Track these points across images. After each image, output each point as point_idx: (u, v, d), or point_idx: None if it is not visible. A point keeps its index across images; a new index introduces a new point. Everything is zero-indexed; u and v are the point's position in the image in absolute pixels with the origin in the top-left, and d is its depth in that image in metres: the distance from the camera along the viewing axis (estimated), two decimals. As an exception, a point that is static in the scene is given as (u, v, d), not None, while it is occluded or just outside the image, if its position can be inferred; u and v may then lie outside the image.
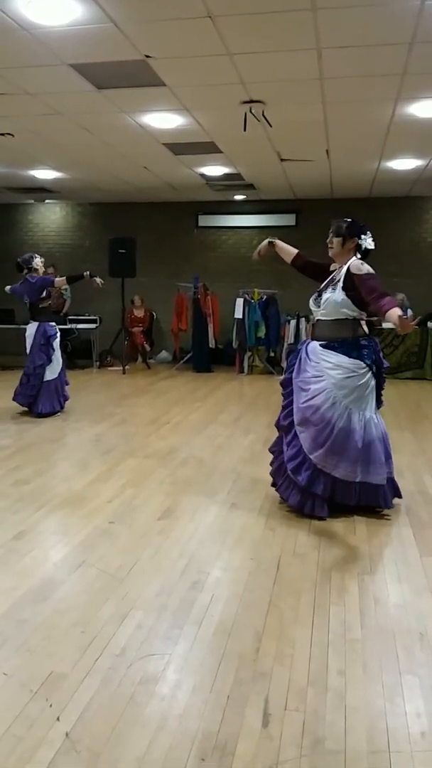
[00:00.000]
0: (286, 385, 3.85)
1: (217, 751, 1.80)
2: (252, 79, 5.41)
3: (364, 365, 3.65)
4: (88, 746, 1.81)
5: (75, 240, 12.39)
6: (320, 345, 3.72)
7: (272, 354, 10.60)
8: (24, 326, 10.93)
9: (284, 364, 10.07)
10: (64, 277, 6.80)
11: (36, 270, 6.56)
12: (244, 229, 11.75)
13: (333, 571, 2.97)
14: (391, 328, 9.89)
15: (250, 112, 6.13)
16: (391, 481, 3.81)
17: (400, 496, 3.89)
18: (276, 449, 3.93)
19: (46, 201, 12.10)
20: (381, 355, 3.81)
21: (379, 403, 3.84)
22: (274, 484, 3.94)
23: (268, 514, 3.74)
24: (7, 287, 6.79)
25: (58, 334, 6.75)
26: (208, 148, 7.80)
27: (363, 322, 3.75)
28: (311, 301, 3.84)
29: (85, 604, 2.62)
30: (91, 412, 6.83)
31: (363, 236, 3.77)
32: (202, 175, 9.44)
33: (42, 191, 10.91)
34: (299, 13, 4.17)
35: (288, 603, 2.66)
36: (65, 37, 4.59)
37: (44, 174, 9.52)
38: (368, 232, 3.82)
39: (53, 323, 6.74)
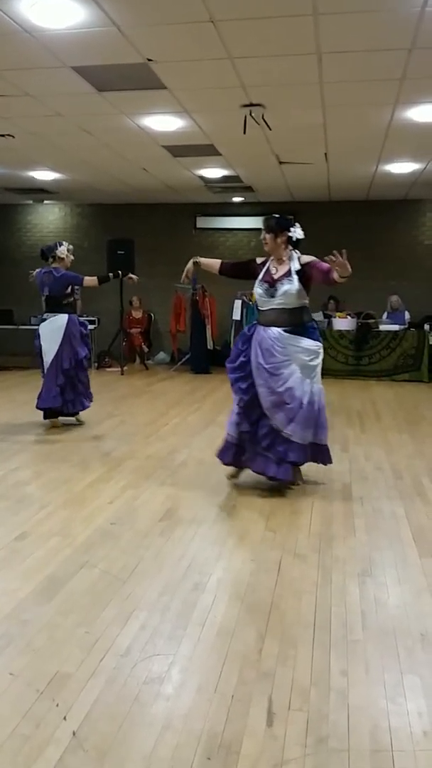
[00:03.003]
0: (243, 367, 4.12)
1: (223, 750, 1.82)
2: (252, 83, 5.44)
3: (320, 344, 4.21)
4: (95, 745, 1.83)
5: (73, 241, 12.23)
6: (284, 331, 4.08)
7: (270, 355, 10.64)
8: (23, 326, 10.95)
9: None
10: (95, 277, 5.97)
11: (61, 259, 5.96)
12: (242, 231, 11.78)
13: (334, 573, 2.99)
14: (388, 331, 9.97)
15: (250, 115, 6.17)
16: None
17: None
18: (245, 430, 4.14)
19: (45, 202, 12.11)
20: None
21: None
22: (227, 460, 4.27)
23: (269, 515, 3.77)
24: (34, 272, 6.06)
25: None
26: (208, 151, 7.84)
27: (308, 307, 4.25)
28: (262, 291, 4.17)
29: (88, 605, 2.64)
30: (90, 413, 6.82)
31: (292, 229, 4.15)
32: (201, 177, 9.47)
33: (41, 192, 10.92)
34: (300, 18, 4.21)
35: (289, 604, 2.68)
36: (68, 39, 4.62)
37: (43, 175, 9.54)
38: (297, 224, 4.20)
39: (73, 315, 6.13)
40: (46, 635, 2.41)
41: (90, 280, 5.92)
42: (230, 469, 4.39)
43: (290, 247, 4.17)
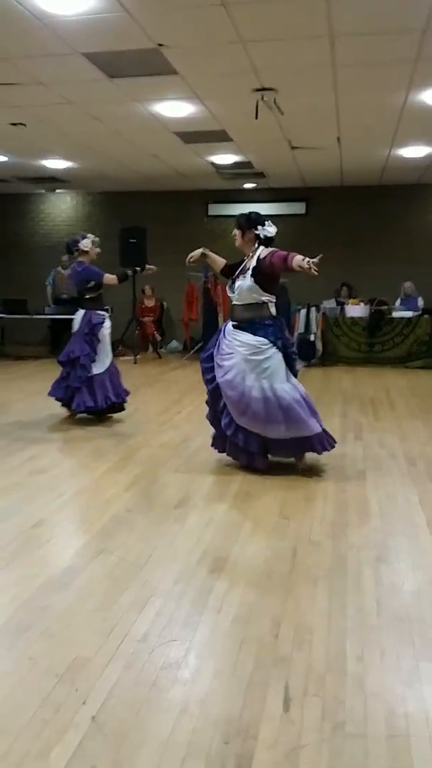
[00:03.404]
0: (208, 360, 4.35)
1: (240, 735, 1.84)
2: (264, 67, 5.39)
3: (268, 342, 4.17)
4: (114, 729, 1.85)
5: (85, 229, 12.16)
6: (233, 326, 4.27)
7: (282, 343, 10.59)
8: (37, 315, 11.01)
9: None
10: (115, 276, 5.81)
11: (85, 252, 5.78)
12: (254, 218, 11.71)
13: (348, 559, 3.00)
14: (402, 318, 9.90)
15: (262, 99, 6.11)
16: (324, 432, 4.32)
17: (333, 445, 4.38)
18: (213, 419, 4.45)
19: (57, 191, 12.11)
20: (286, 332, 4.37)
21: (293, 372, 4.34)
22: (217, 448, 4.48)
23: (282, 502, 3.77)
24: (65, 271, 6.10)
25: (107, 324, 6.03)
26: (219, 137, 7.79)
27: (271, 305, 4.24)
28: (227, 288, 4.37)
29: (105, 591, 2.66)
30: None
31: (260, 227, 4.19)
32: (213, 164, 9.42)
33: (53, 181, 10.92)
34: (313, 0, 4.15)
35: (305, 590, 2.69)
36: (78, 26, 4.59)
37: (55, 163, 9.53)
38: (266, 222, 4.23)
39: (102, 311, 6.01)
40: (65, 621, 2.43)
41: (110, 278, 5.77)
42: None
43: (257, 245, 4.21)
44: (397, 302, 10.38)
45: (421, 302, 10.35)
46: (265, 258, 4.09)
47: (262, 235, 4.19)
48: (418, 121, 6.97)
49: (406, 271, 10.71)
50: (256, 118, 6.39)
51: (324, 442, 4.32)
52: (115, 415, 6.03)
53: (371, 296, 10.38)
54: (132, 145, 8.30)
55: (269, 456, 4.36)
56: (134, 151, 8.63)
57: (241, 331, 4.21)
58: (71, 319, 11.73)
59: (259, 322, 4.19)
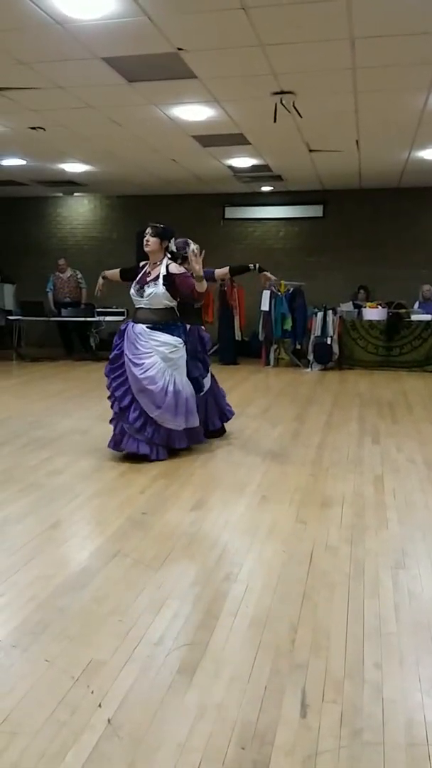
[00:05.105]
0: (116, 360, 4.70)
1: (257, 740, 1.82)
2: (283, 70, 5.39)
3: (181, 341, 4.71)
4: (130, 732, 1.84)
5: (102, 233, 12.46)
6: (147, 327, 4.63)
7: (298, 346, 10.57)
8: (54, 318, 11.06)
9: (310, 357, 10.10)
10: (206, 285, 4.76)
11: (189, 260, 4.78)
12: (271, 221, 11.70)
13: (366, 565, 2.97)
14: (420, 321, 9.82)
15: (281, 103, 6.11)
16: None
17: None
18: (114, 418, 4.77)
19: (75, 194, 12.19)
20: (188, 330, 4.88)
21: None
22: (116, 444, 4.72)
23: (299, 506, 3.75)
24: None
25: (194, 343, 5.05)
26: (237, 140, 7.79)
27: (174, 309, 4.70)
28: (134, 292, 4.72)
29: (121, 593, 2.66)
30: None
31: (172, 240, 4.73)
32: (230, 167, 9.42)
33: (71, 184, 10.99)
34: (333, 2, 4.15)
35: (322, 595, 2.67)
36: (98, 30, 4.62)
37: (73, 167, 9.59)
38: (174, 238, 4.83)
39: (198, 326, 5.26)
40: (81, 623, 2.43)
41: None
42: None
43: (167, 255, 4.69)
44: (416, 305, 10.30)
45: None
46: (178, 274, 4.55)
47: (170, 248, 4.70)
48: (438, 123, 6.93)
49: (425, 274, 10.64)
50: (275, 121, 6.39)
51: (199, 434, 4.94)
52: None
53: (389, 299, 10.31)
54: (150, 149, 8.33)
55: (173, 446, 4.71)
56: (152, 155, 8.66)
57: (158, 332, 4.62)
58: (81, 322, 11.62)
59: (173, 323, 4.68)
